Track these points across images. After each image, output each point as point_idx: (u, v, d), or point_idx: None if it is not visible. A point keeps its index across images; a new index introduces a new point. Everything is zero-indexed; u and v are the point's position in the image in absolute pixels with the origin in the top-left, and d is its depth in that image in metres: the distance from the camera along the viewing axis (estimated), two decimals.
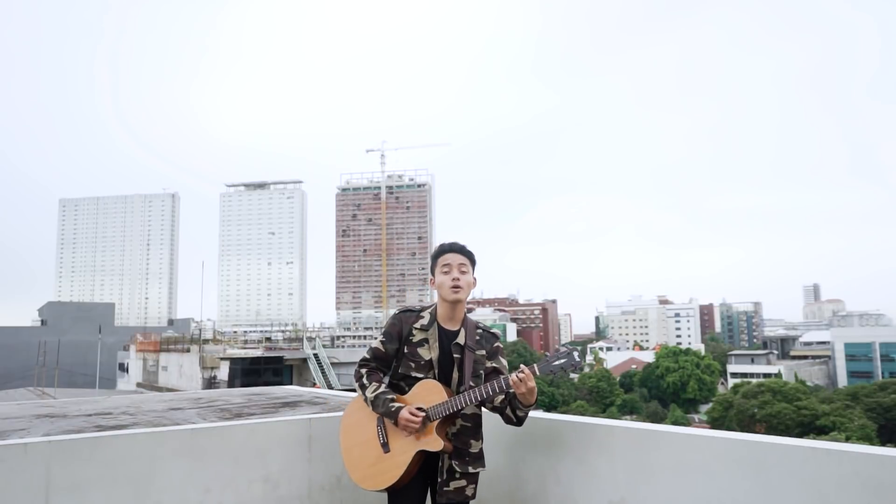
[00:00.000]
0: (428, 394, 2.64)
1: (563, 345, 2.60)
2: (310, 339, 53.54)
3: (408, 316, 2.82)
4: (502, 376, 2.61)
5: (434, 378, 2.70)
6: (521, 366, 2.55)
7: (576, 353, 2.51)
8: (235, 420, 3.61)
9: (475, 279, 2.82)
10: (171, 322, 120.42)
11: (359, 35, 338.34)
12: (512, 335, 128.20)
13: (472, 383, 2.67)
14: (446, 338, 2.76)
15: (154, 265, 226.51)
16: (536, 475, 3.11)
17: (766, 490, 2.29)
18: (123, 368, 63.56)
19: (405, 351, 2.76)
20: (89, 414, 4.24)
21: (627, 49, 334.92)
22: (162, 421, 3.81)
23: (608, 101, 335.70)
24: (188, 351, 48.99)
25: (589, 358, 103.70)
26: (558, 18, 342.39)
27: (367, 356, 2.83)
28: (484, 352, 2.80)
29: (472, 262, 2.82)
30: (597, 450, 2.87)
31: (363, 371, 2.80)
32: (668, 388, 78.84)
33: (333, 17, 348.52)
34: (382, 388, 2.72)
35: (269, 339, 69.28)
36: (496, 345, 2.85)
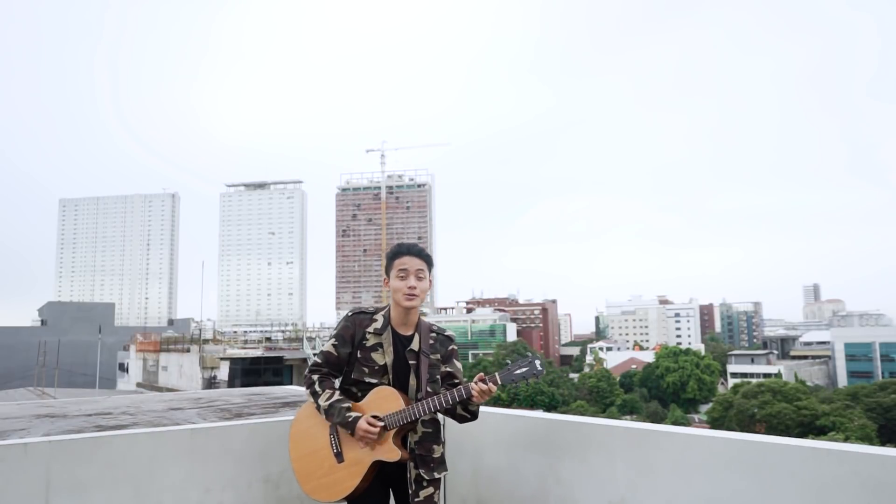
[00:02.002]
0: (384, 401, 2.56)
1: (524, 355, 2.56)
2: (310, 339, 53.60)
3: (361, 318, 2.71)
4: (462, 386, 2.54)
5: (389, 383, 2.62)
6: (483, 376, 2.49)
7: (537, 362, 2.47)
8: (235, 420, 3.61)
9: (431, 282, 2.74)
10: (171, 322, 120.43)
11: (358, 35, 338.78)
12: (512, 335, 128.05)
13: (429, 389, 2.62)
14: (401, 343, 2.67)
15: (154, 265, 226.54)
16: (536, 475, 3.11)
17: (765, 490, 2.29)
18: (123, 368, 63.61)
19: (358, 355, 2.65)
20: (89, 414, 4.24)
21: (627, 49, 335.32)
22: (162, 421, 3.81)
23: (608, 101, 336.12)
24: (188, 351, 49.04)
25: (589, 358, 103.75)
26: (558, 18, 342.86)
27: (319, 360, 2.72)
28: (439, 356, 2.73)
29: (430, 266, 2.72)
30: (597, 450, 2.86)
31: (314, 378, 2.67)
32: (668, 388, 78.83)
33: (333, 17, 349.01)
34: (337, 396, 2.60)
35: (269, 339, 69.35)
36: (451, 348, 2.78)
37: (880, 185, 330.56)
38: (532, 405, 62.70)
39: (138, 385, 53.28)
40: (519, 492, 3.18)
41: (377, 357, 2.64)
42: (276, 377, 45.75)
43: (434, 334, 2.76)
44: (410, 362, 2.66)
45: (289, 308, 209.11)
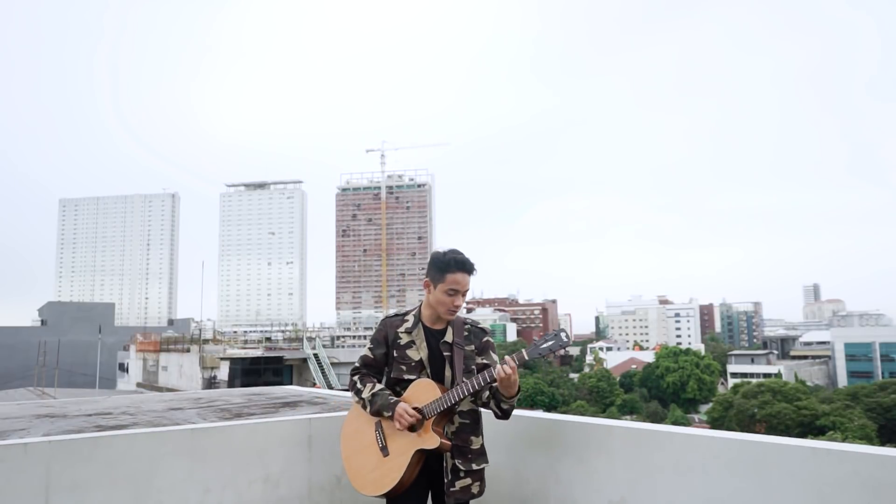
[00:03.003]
0: (422, 393, 2.63)
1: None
2: (310, 339, 53.57)
3: (392, 320, 2.82)
4: (489, 369, 2.59)
5: (427, 377, 2.69)
6: (506, 357, 2.54)
7: (563, 334, 2.50)
8: (235, 420, 3.61)
9: None
10: (171, 322, 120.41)
11: (358, 35, 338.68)
12: (512, 335, 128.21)
13: (464, 379, 2.66)
14: (433, 337, 2.75)
15: (154, 265, 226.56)
16: (536, 475, 3.11)
17: (765, 490, 2.29)
18: (123, 368, 63.60)
19: (394, 355, 2.75)
20: (89, 414, 4.24)
21: (627, 49, 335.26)
22: (162, 421, 3.80)
23: (608, 100, 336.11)
24: (188, 351, 49.03)
25: (589, 358, 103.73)
26: (557, 18, 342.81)
27: (358, 364, 2.84)
28: (473, 347, 2.78)
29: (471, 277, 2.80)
30: (597, 450, 2.87)
31: (356, 378, 2.80)
32: (668, 388, 78.83)
33: (333, 17, 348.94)
34: (379, 387, 2.71)
35: (269, 339, 69.35)
36: (486, 339, 2.82)
37: (880, 185, 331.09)
38: (532, 405, 62.69)
39: (138, 385, 53.27)
40: (519, 492, 3.18)
41: (412, 353, 2.73)
42: (276, 377, 45.73)
43: (468, 326, 2.83)
44: (445, 354, 2.72)
45: (289, 308, 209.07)
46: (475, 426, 2.74)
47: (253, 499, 3.14)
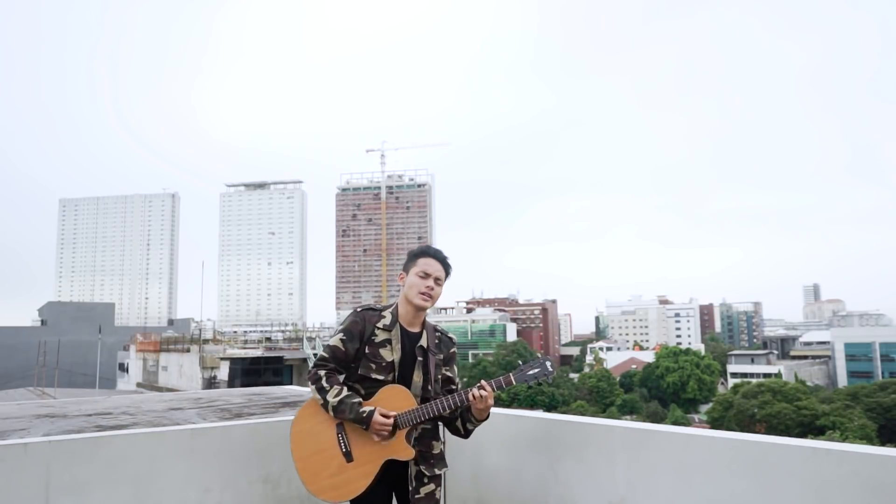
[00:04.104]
0: (395, 400, 2.52)
1: (536, 355, 2.64)
2: (310, 339, 53.60)
3: (370, 314, 2.67)
4: (463, 390, 2.58)
5: (394, 380, 2.60)
6: (482, 382, 2.53)
7: (548, 364, 2.53)
8: (235, 420, 3.61)
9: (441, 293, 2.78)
10: (171, 322, 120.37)
11: (358, 35, 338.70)
12: (512, 335, 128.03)
13: (443, 396, 2.62)
14: (409, 339, 2.66)
15: (154, 265, 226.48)
16: (536, 475, 3.11)
17: (765, 490, 2.29)
18: (123, 368, 63.59)
19: (366, 351, 2.61)
20: (89, 414, 4.24)
21: (627, 48, 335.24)
22: (162, 421, 3.81)
23: (608, 100, 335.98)
24: (188, 351, 49.01)
25: (589, 358, 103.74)
26: (557, 18, 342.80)
27: (326, 355, 2.63)
28: (441, 356, 2.74)
29: (447, 277, 2.76)
30: (596, 450, 2.87)
31: (321, 373, 2.58)
32: (668, 388, 78.83)
33: (333, 17, 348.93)
34: (346, 392, 2.53)
35: (269, 339, 69.38)
36: (452, 350, 2.80)
37: (880, 185, 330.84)
38: (532, 405, 62.68)
39: (138, 385, 53.25)
40: (519, 492, 3.18)
41: (385, 353, 2.61)
42: (276, 377, 45.74)
43: (439, 334, 2.78)
44: (419, 359, 2.65)
45: (289, 308, 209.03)
46: (436, 431, 2.70)
47: (253, 499, 3.14)
